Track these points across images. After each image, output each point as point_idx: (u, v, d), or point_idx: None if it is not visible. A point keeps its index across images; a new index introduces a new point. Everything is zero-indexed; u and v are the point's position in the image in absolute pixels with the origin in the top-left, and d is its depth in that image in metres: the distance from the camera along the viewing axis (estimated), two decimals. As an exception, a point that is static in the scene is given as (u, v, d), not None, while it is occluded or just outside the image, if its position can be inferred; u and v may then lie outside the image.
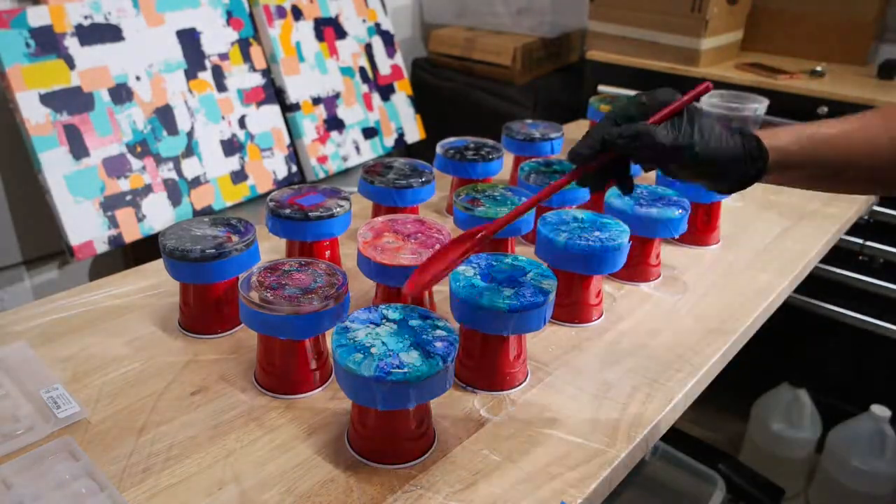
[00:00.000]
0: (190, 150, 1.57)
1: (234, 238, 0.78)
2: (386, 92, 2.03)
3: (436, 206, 1.17)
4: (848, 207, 1.22)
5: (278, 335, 0.67)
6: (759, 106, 1.30)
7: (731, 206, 1.20)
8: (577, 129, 1.60)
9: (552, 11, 2.08)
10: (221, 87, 1.64)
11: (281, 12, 1.77)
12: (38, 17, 1.37)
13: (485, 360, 0.72)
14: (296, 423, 0.67)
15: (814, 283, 1.37)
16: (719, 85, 1.67)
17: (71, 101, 1.40)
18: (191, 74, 1.59)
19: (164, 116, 1.54)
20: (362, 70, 1.96)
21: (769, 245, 1.08)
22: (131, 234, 1.46)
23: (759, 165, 0.61)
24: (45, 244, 1.62)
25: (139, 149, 1.49)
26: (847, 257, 1.63)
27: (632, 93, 1.71)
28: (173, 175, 1.54)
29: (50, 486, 0.58)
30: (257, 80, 1.72)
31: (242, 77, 1.69)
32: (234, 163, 1.65)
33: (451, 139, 1.12)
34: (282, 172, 1.75)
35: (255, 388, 0.72)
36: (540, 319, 0.69)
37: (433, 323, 0.63)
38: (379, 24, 2.03)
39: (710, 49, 1.78)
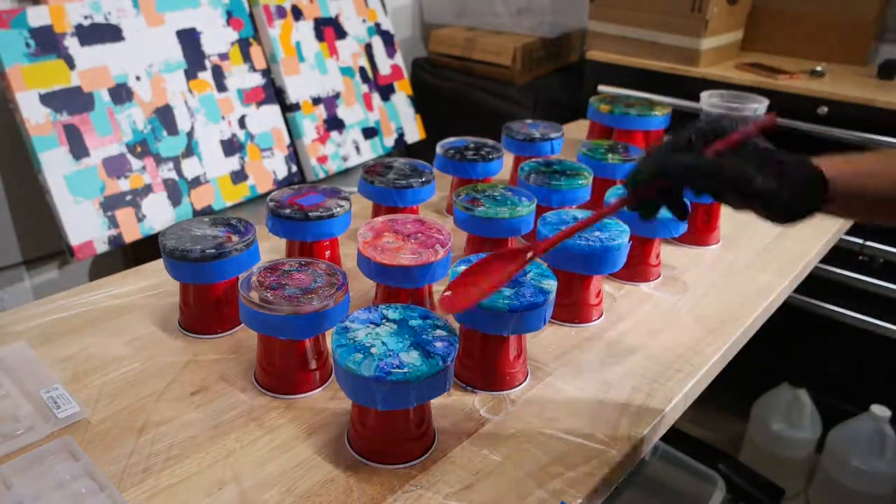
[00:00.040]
0: (190, 150, 1.57)
1: (234, 238, 0.78)
2: (386, 92, 2.03)
3: (436, 206, 1.17)
4: (848, 207, 1.21)
5: (278, 335, 0.67)
6: (759, 106, 1.29)
7: (731, 206, 1.19)
8: (577, 129, 1.60)
9: (552, 11, 2.08)
10: (221, 87, 1.64)
11: (281, 12, 1.77)
12: (38, 17, 1.37)
13: (485, 360, 0.72)
14: (296, 423, 0.67)
15: (814, 283, 1.37)
16: (719, 85, 1.67)
17: (71, 101, 1.40)
18: (191, 74, 1.59)
19: (164, 116, 1.54)
20: (362, 70, 1.96)
21: (769, 245, 1.08)
22: (131, 234, 1.46)
23: (820, 198, 0.58)
24: (45, 244, 1.62)
25: (139, 149, 1.49)
26: (847, 257, 1.63)
27: (632, 93, 1.72)
28: (173, 175, 1.54)
29: (50, 486, 0.58)
30: (257, 80, 1.72)
31: (242, 77, 1.69)
32: (234, 163, 1.65)
33: (451, 139, 1.12)
34: (282, 172, 1.75)
35: (255, 388, 0.72)
36: (540, 319, 0.69)
37: (433, 323, 0.63)
38: (379, 24, 2.03)
39: (710, 49, 1.77)
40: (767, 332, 0.98)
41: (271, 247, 0.99)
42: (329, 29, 1.89)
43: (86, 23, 1.43)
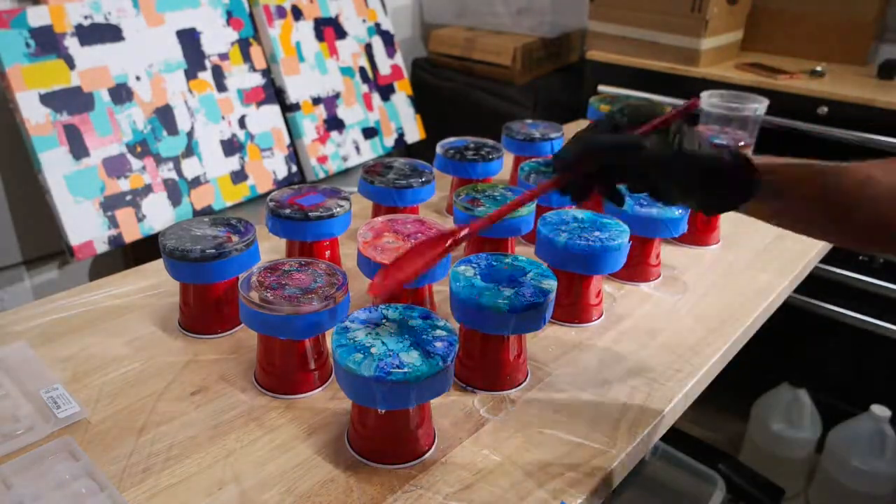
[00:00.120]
0: (190, 150, 1.57)
1: (234, 238, 0.78)
2: (386, 92, 2.03)
3: (436, 206, 1.17)
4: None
5: (278, 335, 0.67)
6: (759, 106, 1.29)
7: (731, 206, 1.19)
8: (576, 129, 1.59)
9: (552, 11, 2.08)
10: (221, 87, 1.64)
11: (281, 12, 1.77)
12: (38, 17, 1.37)
13: (485, 360, 0.72)
14: (296, 423, 0.67)
15: (814, 283, 1.37)
16: (719, 85, 1.67)
17: (71, 101, 1.40)
18: (191, 74, 1.59)
19: (164, 116, 1.54)
20: (362, 70, 1.96)
21: (769, 245, 1.08)
22: (131, 234, 1.46)
23: (750, 184, 0.58)
24: (45, 244, 1.62)
25: (139, 149, 1.49)
26: (847, 257, 1.63)
27: (632, 93, 1.72)
28: (173, 175, 1.54)
29: (50, 486, 0.58)
30: (257, 80, 1.72)
31: (242, 77, 1.69)
32: (234, 163, 1.65)
33: (451, 139, 1.12)
34: (282, 172, 1.75)
35: (255, 388, 0.72)
36: (540, 319, 0.69)
37: (433, 323, 0.63)
38: (379, 24, 2.03)
39: (710, 49, 1.77)
40: (767, 332, 0.98)
41: (271, 247, 0.99)
42: (329, 29, 1.89)
43: (86, 23, 1.43)
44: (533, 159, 1.06)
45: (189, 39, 1.60)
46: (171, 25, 1.57)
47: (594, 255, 0.79)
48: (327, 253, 0.91)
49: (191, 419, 0.67)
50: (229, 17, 1.68)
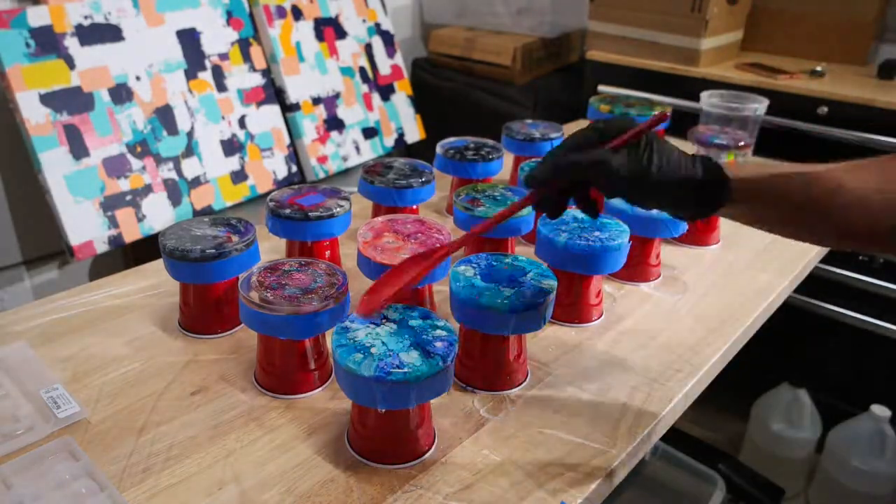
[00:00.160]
0: (190, 150, 1.57)
1: (234, 238, 0.78)
2: (386, 92, 2.03)
3: (436, 206, 1.17)
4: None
5: (278, 335, 0.67)
6: (759, 106, 1.30)
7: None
8: (576, 129, 1.59)
9: (552, 11, 2.08)
10: (221, 87, 1.64)
11: (281, 12, 1.77)
12: (38, 17, 1.37)
13: (485, 360, 0.72)
14: (296, 423, 0.67)
15: (814, 283, 1.37)
16: (719, 85, 1.67)
17: (71, 101, 1.40)
18: (191, 74, 1.59)
19: (164, 116, 1.54)
20: (362, 70, 1.96)
21: (769, 245, 1.08)
22: (131, 234, 1.46)
23: (720, 192, 0.59)
24: (45, 244, 1.62)
25: (139, 149, 1.49)
26: (847, 257, 1.63)
27: (632, 93, 1.72)
28: (173, 175, 1.54)
29: (50, 486, 0.58)
30: (257, 80, 1.72)
31: (242, 77, 1.69)
32: (234, 163, 1.65)
33: (451, 139, 1.12)
34: (282, 172, 1.75)
35: (255, 388, 0.72)
36: (540, 319, 0.69)
37: (433, 323, 0.63)
38: (379, 24, 2.03)
39: (710, 49, 1.78)
40: (767, 332, 0.98)
41: (271, 247, 0.99)
42: (329, 29, 1.89)
43: (86, 23, 1.43)
44: (533, 159, 1.06)
45: (189, 39, 1.60)
46: (171, 25, 1.57)
47: (594, 255, 0.79)
48: (327, 253, 0.91)
49: (191, 419, 0.67)
50: (229, 17, 1.68)
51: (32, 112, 1.34)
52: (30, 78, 1.35)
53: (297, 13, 1.81)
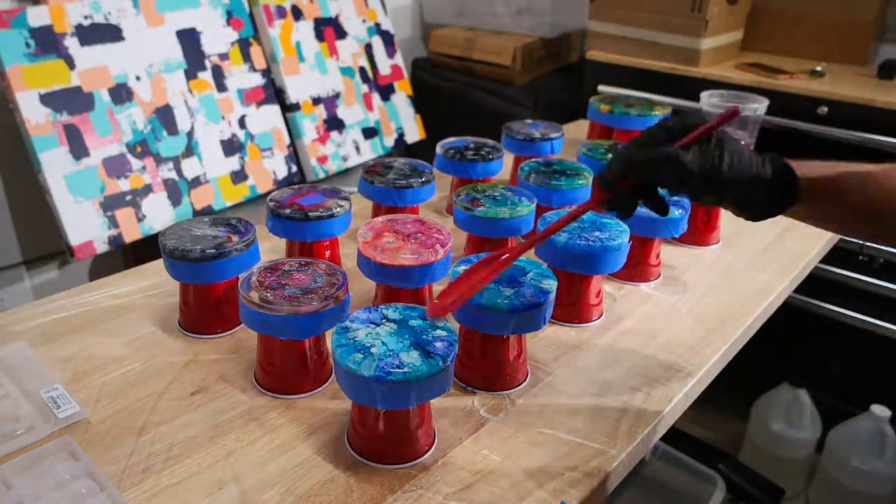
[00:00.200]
0: (190, 150, 1.57)
1: (234, 238, 0.78)
2: (386, 92, 2.03)
3: (436, 206, 1.17)
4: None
5: (278, 335, 0.67)
6: (759, 106, 1.30)
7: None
8: (576, 129, 1.60)
9: (552, 11, 2.08)
10: (221, 87, 1.64)
11: (281, 12, 1.77)
12: (38, 17, 1.37)
13: (485, 360, 0.72)
14: (296, 423, 0.67)
15: (814, 283, 1.37)
16: (719, 85, 1.67)
17: (71, 101, 1.40)
18: (191, 74, 1.59)
19: (164, 116, 1.54)
20: (362, 70, 1.96)
21: (769, 245, 1.08)
22: (131, 234, 1.46)
23: (790, 191, 0.60)
24: (45, 244, 1.62)
25: (139, 149, 1.49)
26: (847, 257, 1.63)
27: (632, 93, 1.72)
28: (173, 175, 1.54)
29: (50, 486, 0.58)
30: (257, 80, 1.72)
31: (242, 77, 1.69)
32: (234, 163, 1.65)
33: (451, 139, 1.12)
34: (282, 172, 1.75)
35: (255, 388, 0.72)
36: (540, 319, 0.69)
37: (433, 323, 0.63)
38: (379, 24, 2.03)
39: (710, 49, 1.77)
40: (767, 332, 0.98)
41: (271, 247, 0.99)
42: (329, 29, 1.89)
43: (86, 23, 1.43)
44: (533, 159, 1.06)
45: (189, 39, 1.60)
46: (171, 25, 1.57)
47: (594, 255, 0.79)
48: (327, 253, 0.91)
49: (191, 419, 0.67)
50: (229, 17, 1.68)
51: (32, 112, 1.34)
52: (30, 78, 1.35)
53: (297, 13, 1.81)
